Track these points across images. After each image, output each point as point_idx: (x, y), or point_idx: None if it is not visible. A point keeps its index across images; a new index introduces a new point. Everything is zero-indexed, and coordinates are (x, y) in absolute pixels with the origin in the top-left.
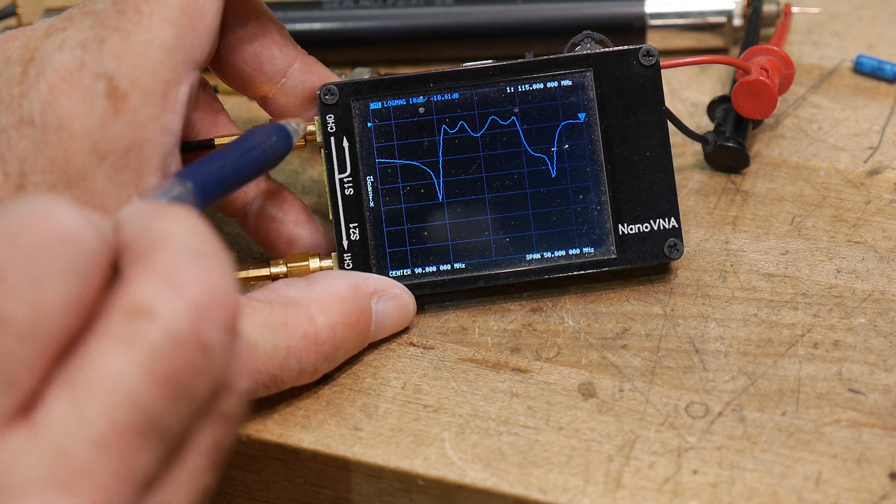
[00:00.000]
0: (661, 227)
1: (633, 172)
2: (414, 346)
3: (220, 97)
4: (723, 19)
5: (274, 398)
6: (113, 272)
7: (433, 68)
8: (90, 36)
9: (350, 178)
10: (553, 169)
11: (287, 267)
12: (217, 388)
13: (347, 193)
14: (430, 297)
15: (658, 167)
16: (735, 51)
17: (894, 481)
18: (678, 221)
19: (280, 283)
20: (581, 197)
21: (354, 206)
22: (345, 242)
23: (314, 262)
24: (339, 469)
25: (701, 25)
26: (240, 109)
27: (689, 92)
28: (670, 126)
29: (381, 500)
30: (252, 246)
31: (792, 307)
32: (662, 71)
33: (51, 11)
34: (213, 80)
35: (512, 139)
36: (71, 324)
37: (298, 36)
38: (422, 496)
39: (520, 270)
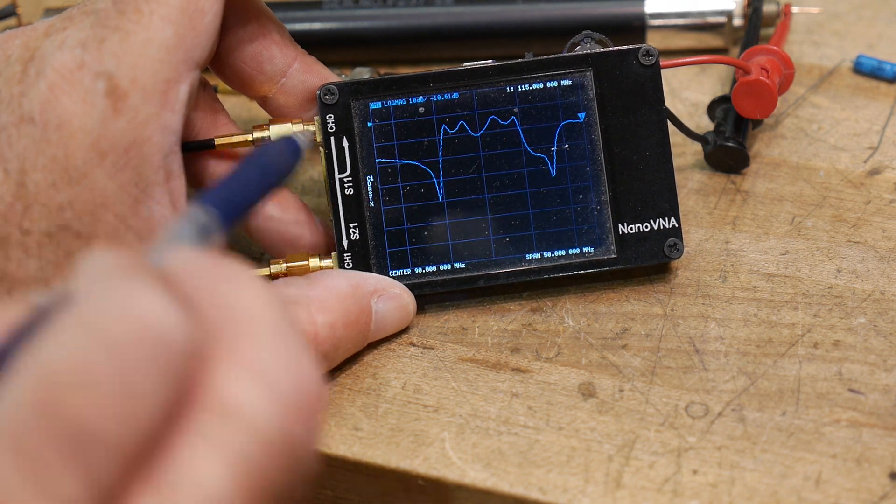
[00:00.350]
0: (661, 227)
1: (633, 172)
2: (414, 346)
3: (220, 97)
4: (723, 19)
5: None
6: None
7: (433, 68)
8: (90, 35)
9: (350, 178)
10: (553, 169)
11: (287, 266)
12: (298, 476)
13: (347, 193)
14: (430, 297)
15: (658, 167)
16: (735, 51)
17: (894, 481)
18: (678, 221)
19: (280, 282)
20: (581, 197)
21: (354, 206)
22: (345, 242)
23: (314, 262)
24: (338, 469)
25: (701, 25)
26: (240, 109)
27: (689, 92)
28: (670, 126)
29: (381, 500)
30: (252, 246)
31: (792, 307)
32: (662, 71)
33: (51, 11)
34: (213, 80)
35: (512, 139)
36: (160, 427)
37: (298, 36)
38: (422, 496)
39: (520, 270)
